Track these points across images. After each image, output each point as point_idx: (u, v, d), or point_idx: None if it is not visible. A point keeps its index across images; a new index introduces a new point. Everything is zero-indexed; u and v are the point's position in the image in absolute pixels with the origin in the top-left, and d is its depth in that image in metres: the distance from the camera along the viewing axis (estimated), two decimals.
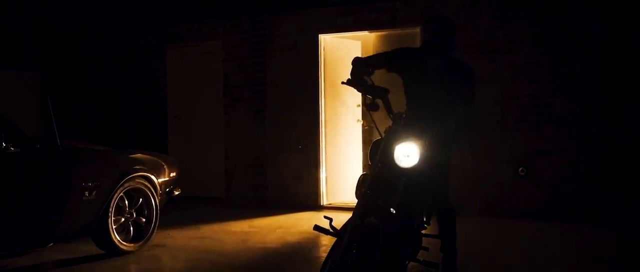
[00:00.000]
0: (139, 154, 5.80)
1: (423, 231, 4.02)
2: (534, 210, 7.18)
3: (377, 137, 3.98)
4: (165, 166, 5.89)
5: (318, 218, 4.48)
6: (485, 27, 7.37)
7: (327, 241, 5.60)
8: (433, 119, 3.89)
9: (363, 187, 3.68)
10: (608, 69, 6.98)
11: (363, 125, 8.71)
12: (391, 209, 3.49)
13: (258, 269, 5.27)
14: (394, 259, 3.40)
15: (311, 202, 8.14)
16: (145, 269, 5.20)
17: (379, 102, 3.77)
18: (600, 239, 6.24)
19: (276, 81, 8.43)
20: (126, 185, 5.36)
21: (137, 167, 5.52)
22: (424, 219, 4.01)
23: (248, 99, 8.61)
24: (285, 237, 6.42)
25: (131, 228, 5.54)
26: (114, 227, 5.27)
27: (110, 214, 5.22)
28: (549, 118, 7.15)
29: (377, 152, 3.73)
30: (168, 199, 5.96)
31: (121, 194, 5.34)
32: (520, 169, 7.23)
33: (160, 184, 5.74)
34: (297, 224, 7.09)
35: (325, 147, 8.24)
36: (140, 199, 5.59)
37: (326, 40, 8.25)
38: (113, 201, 5.23)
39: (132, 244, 5.49)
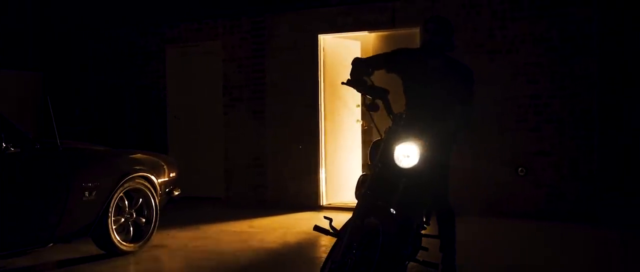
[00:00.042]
0: (139, 155, 5.81)
1: (423, 231, 4.02)
2: (533, 210, 7.18)
3: (376, 137, 3.98)
4: (165, 166, 5.89)
5: (318, 218, 4.49)
6: (484, 28, 7.37)
7: (327, 241, 5.60)
8: (432, 119, 3.90)
9: (363, 187, 3.68)
10: (608, 69, 6.99)
11: (362, 125, 8.71)
12: (391, 210, 3.49)
13: (258, 269, 5.27)
14: (393, 259, 3.41)
15: (311, 202, 8.14)
16: (145, 269, 5.20)
17: (379, 102, 3.78)
18: (599, 239, 6.25)
19: (276, 81, 8.44)
20: (126, 185, 5.36)
21: (137, 167, 5.52)
22: (424, 219, 4.01)
23: (248, 99, 8.61)
24: (285, 237, 6.42)
25: (131, 228, 5.54)
26: (113, 227, 5.28)
27: (110, 215, 5.22)
28: (548, 118, 7.15)
29: (377, 153, 3.73)
30: (168, 199, 5.96)
31: (121, 194, 5.34)
32: (520, 169, 7.23)
33: (160, 185, 5.74)
34: (297, 224, 7.10)
35: (325, 147, 8.24)
36: (140, 200, 5.59)
37: (326, 40, 8.25)
38: (113, 201, 5.23)
39: (132, 245, 5.49)
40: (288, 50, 8.33)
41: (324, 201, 8.21)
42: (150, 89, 9.28)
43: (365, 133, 8.74)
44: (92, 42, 9.75)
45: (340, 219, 3.74)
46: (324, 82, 8.22)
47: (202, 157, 8.97)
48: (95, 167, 5.20)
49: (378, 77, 4.06)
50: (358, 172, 8.44)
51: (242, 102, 8.65)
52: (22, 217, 4.61)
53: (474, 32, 7.38)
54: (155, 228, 5.70)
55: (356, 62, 4.07)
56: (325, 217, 3.69)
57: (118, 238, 5.33)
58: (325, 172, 8.24)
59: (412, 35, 7.48)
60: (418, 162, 3.54)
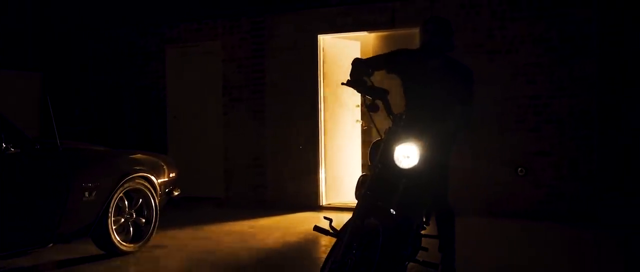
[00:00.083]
0: (139, 155, 5.81)
1: (422, 232, 4.02)
2: (533, 210, 7.19)
3: (376, 137, 3.98)
4: (164, 167, 5.90)
5: (318, 218, 4.52)
6: (484, 28, 7.38)
7: (326, 242, 5.61)
8: (432, 120, 3.90)
9: (363, 187, 3.68)
10: (607, 70, 7.00)
11: (362, 125, 8.72)
12: (391, 210, 3.49)
13: (258, 270, 5.28)
14: (394, 260, 3.41)
15: (311, 202, 8.15)
16: (145, 269, 5.21)
17: (379, 103, 3.77)
18: (599, 239, 6.25)
19: (275, 81, 8.44)
20: (126, 185, 5.36)
21: (137, 167, 5.53)
22: (424, 220, 4.02)
23: (247, 99, 8.61)
24: (285, 237, 6.42)
25: (131, 229, 5.54)
26: (113, 227, 5.28)
27: (110, 215, 5.22)
28: (548, 118, 7.16)
29: (376, 153, 3.73)
30: (168, 200, 5.97)
31: (121, 194, 5.34)
32: (520, 169, 7.24)
33: (160, 185, 5.74)
34: (296, 225, 7.10)
35: (324, 148, 8.24)
36: (140, 200, 5.60)
37: (325, 40, 8.26)
38: (113, 201, 5.24)
39: (131, 245, 5.49)
40: (288, 50, 8.33)
41: (323, 201, 8.22)
42: (150, 89, 9.28)
43: (365, 133, 8.74)
44: (91, 42, 9.75)
45: (340, 219, 3.75)
46: (323, 82, 8.22)
47: (202, 157, 8.97)
48: (95, 168, 5.21)
49: (378, 78, 4.06)
50: (358, 172, 8.44)
51: (241, 102, 8.65)
52: (22, 218, 4.62)
53: (474, 33, 7.39)
54: (155, 228, 5.70)
55: (356, 62, 4.07)
56: (325, 218, 3.69)
57: (118, 238, 5.34)
58: (325, 173, 8.25)
59: (412, 36, 7.46)
60: (418, 163, 3.54)
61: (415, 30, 7.33)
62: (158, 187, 5.70)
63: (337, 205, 8.15)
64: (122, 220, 5.45)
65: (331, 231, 3.61)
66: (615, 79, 7.00)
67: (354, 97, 8.43)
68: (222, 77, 8.78)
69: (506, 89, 7.30)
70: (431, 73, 4.18)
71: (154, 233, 5.71)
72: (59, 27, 9.82)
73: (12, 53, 9.40)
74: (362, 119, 8.68)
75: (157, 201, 5.68)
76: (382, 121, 3.86)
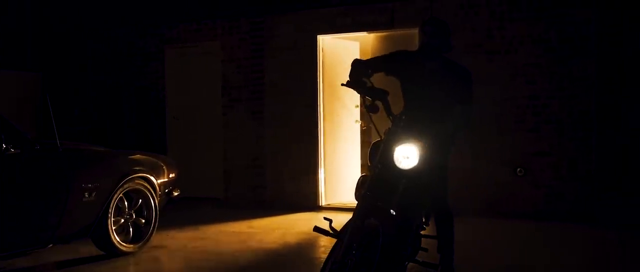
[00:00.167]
0: (139, 155, 5.81)
1: (421, 232, 4.03)
2: (532, 210, 7.20)
3: (375, 137, 3.99)
4: (164, 167, 5.90)
5: (317, 219, 4.52)
6: (483, 28, 7.39)
7: (326, 242, 5.62)
8: (431, 121, 3.91)
9: (363, 188, 3.69)
10: (606, 70, 7.01)
11: (361, 125, 8.73)
12: (391, 211, 3.50)
13: (257, 270, 5.29)
14: (394, 260, 3.42)
15: (310, 202, 8.15)
16: (145, 270, 5.21)
17: (379, 103, 3.78)
18: (598, 239, 6.26)
19: (275, 82, 8.44)
20: (126, 186, 5.37)
21: (137, 168, 5.53)
22: (423, 220, 4.03)
23: (247, 99, 8.62)
24: (284, 237, 6.43)
25: (131, 229, 5.55)
26: (113, 228, 5.29)
27: (109, 215, 5.23)
28: (547, 119, 7.17)
29: (376, 154, 3.74)
30: (167, 200, 5.97)
31: (121, 195, 5.35)
32: (519, 169, 7.25)
33: (160, 185, 5.75)
34: (296, 225, 7.11)
35: (324, 148, 8.25)
36: (140, 200, 5.60)
37: (325, 40, 8.26)
38: (113, 202, 5.24)
39: (131, 245, 5.50)
40: (287, 50, 8.34)
41: (322, 202, 8.22)
42: (149, 90, 9.28)
43: (364, 133, 8.76)
44: (91, 43, 9.75)
45: (340, 220, 3.75)
46: (323, 82, 8.23)
47: (201, 157, 8.98)
48: (95, 168, 5.21)
49: (377, 79, 4.07)
50: (357, 172, 8.46)
51: (241, 102, 8.66)
52: (22, 218, 4.62)
53: (473, 33, 7.40)
54: (155, 229, 5.70)
55: (355, 63, 4.08)
56: (325, 218, 3.70)
57: (118, 239, 5.34)
58: (324, 173, 8.25)
59: (411, 36, 7.48)
60: (418, 164, 3.55)
61: (415, 31, 7.36)
62: (158, 188, 5.71)
63: (337, 205, 8.15)
64: (122, 220, 5.46)
65: (331, 231, 3.62)
66: (614, 79, 7.02)
67: (353, 98, 8.44)
68: (221, 78, 8.78)
69: (505, 89, 7.31)
70: (429, 75, 4.19)
71: (154, 233, 5.72)
72: (58, 27, 9.82)
73: (11, 53, 9.40)
74: (361, 119, 8.69)
75: (156, 202, 5.69)
76: (382, 122, 3.87)
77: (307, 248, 6.07)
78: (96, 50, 9.71)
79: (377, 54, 5.22)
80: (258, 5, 8.53)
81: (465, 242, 4.90)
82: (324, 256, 3.77)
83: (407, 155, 3.55)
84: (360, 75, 3.97)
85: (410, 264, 3.86)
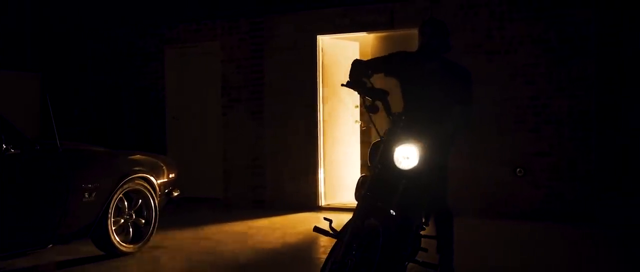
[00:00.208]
0: (138, 156, 5.81)
1: (421, 232, 4.03)
2: (531, 211, 7.20)
3: (375, 138, 4.00)
4: (164, 167, 5.90)
5: (317, 219, 4.53)
6: (483, 28, 7.39)
7: (326, 242, 5.62)
8: (430, 121, 3.91)
9: (363, 188, 3.69)
10: (605, 70, 7.01)
11: (361, 125, 8.73)
12: (391, 211, 3.50)
13: (257, 270, 5.29)
14: (394, 260, 3.42)
15: (310, 202, 8.15)
16: (145, 270, 5.21)
17: (379, 104, 3.79)
18: (598, 239, 6.27)
19: (274, 82, 8.45)
20: (125, 186, 5.37)
21: (137, 168, 5.53)
22: (423, 220, 4.03)
23: (246, 99, 8.62)
24: (284, 238, 6.43)
25: (130, 229, 5.54)
26: (113, 228, 5.28)
27: (109, 216, 5.23)
28: (547, 119, 7.17)
29: (376, 154, 3.75)
30: (167, 200, 5.97)
31: (121, 195, 5.35)
32: (518, 169, 7.25)
33: (160, 185, 5.75)
34: (295, 225, 7.11)
35: (323, 148, 8.25)
36: (140, 201, 5.60)
37: (325, 41, 8.27)
38: (112, 202, 5.24)
39: (131, 245, 5.50)
40: (287, 51, 8.34)
41: (322, 202, 8.22)
42: (149, 90, 9.28)
43: (364, 133, 8.76)
44: (90, 43, 9.75)
45: (340, 220, 3.76)
46: (322, 82, 8.23)
47: (201, 158, 8.98)
48: (95, 169, 5.21)
49: (377, 79, 4.08)
50: (357, 172, 8.46)
51: (240, 102, 8.66)
52: (22, 219, 4.62)
53: (472, 33, 7.40)
54: (155, 229, 5.70)
55: (355, 63, 4.09)
56: (325, 219, 3.70)
57: (118, 239, 5.34)
58: (324, 173, 8.26)
59: (411, 36, 7.44)
60: (418, 164, 3.55)
61: (414, 31, 7.30)
62: (157, 188, 5.71)
63: (336, 205, 8.15)
64: (122, 221, 5.46)
65: (331, 231, 3.62)
66: (613, 79, 7.02)
67: (353, 98, 8.44)
68: (221, 78, 8.78)
69: (505, 89, 7.31)
70: (429, 75, 4.19)
71: (154, 234, 5.71)
72: (58, 27, 9.82)
73: (11, 53, 9.40)
74: (361, 119, 8.69)
75: (156, 202, 5.68)
76: (382, 122, 3.87)
77: (307, 248, 6.07)
78: (96, 51, 9.71)
79: (377, 55, 5.24)
80: (258, 5, 8.53)
81: (464, 243, 4.91)
82: (324, 256, 3.77)
83: (407, 155, 3.55)
84: (360, 75, 3.97)
85: (410, 264, 3.86)
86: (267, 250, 5.88)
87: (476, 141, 7.13)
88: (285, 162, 8.36)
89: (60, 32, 9.83)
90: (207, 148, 8.96)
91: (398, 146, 3.56)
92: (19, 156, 4.55)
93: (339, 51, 8.36)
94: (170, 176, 5.96)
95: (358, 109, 8.59)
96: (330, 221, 3.65)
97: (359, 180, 3.91)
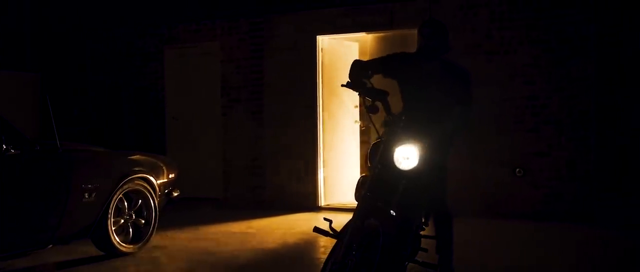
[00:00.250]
0: (138, 156, 5.81)
1: (421, 232, 4.04)
2: (531, 211, 7.21)
3: (375, 138, 4.00)
4: (164, 168, 5.90)
5: (316, 219, 4.53)
6: (482, 29, 7.40)
7: (326, 242, 5.62)
8: (429, 122, 3.92)
9: (363, 189, 3.70)
10: (605, 71, 7.02)
11: (361, 125, 8.73)
12: (391, 211, 3.51)
13: (257, 270, 5.29)
14: (394, 261, 3.42)
15: (309, 203, 8.16)
16: (145, 270, 5.21)
17: (379, 104, 3.79)
18: (597, 239, 6.27)
19: (274, 82, 8.45)
20: (125, 187, 5.37)
21: (136, 168, 5.53)
22: (423, 220, 4.03)
23: (246, 100, 8.62)
24: (284, 238, 6.43)
25: (130, 230, 5.55)
26: (113, 228, 5.29)
27: (109, 216, 5.23)
28: (546, 119, 7.18)
29: (376, 154, 3.75)
30: (167, 201, 5.97)
31: (120, 195, 5.35)
32: (518, 170, 7.26)
33: (159, 186, 5.75)
34: (295, 225, 7.11)
35: (323, 148, 8.25)
36: (140, 201, 5.60)
37: (324, 41, 8.27)
38: (112, 202, 5.24)
39: (131, 246, 5.50)
40: (286, 51, 8.34)
41: (322, 202, 8.22)
42: (148, 90, 9.28)
43: (364, 134, 8.76)
44: (90, 43, 9.75)
45: (339, 220, 3.76)
46: (322, 83, 8.24)
47: (201, 158, 8.98)
48: (95, 169, 5.21)
49: (377, 80, 4.08)
50: (356, 172, 8.46)
51: (240, 103, 8.66)
52: (22, 219, 4.62)
53: (472, 33, 7.41)
54: (155, 229, 5.71)
55: (355, 64, 4.09)
56: (325, 219, 3.70)
57: (117, 239, 5.34)
58: (324, 173, 8.26)
59: (410, 36, 7.42)
60: (418, 164, 3.55)
61: (414, 31, 7.28)
62: (157, 188, 5.71)
63: (336, 206, 8.15)
64: (122, 221, 5.46)
65: (331, 232, 3.63)
66: (613, 79, 7.03)
67: (353, 98, 8.44)
68: (220, 78, 8.78)
69: (504, 89, 7.31)
70: (428, 76, 4.19)
71: (154, 234, 5.72)
72: (58, 27, 9.82)
73: (10, 54, 9.40)
74: (361, 119, 8.69)
75: (156, 202, 5.69)
76: (382, 122, 3.87)
77: (307, 248, 6.07)
78: (95, 51, 9.71)
79: (377, 55, 5.24)
80: (258, 5, 8.53)
81: (464, 243, 4.91)
82: (324, 256, 3.78)
83: (407, 156, 3.56)
84: (360, 76, 3.98)
85: (410, 264, 3.86)
86: (267, 250, 5.89)
87: (475, 141, 7.14)
88: (285, 162, 8.36)
89: (60, 32, 9.82)
90: (206, 148, 8.96)
91: (398, 146, 3.57)
92: (19, 157, 4.55)
93: (339, 51, 8.36)
94: (170, 176, 5.96)
95: (358, 109, 8.60)
96: (330, 221, 3.65)
97: (359, 180, 3.92)
